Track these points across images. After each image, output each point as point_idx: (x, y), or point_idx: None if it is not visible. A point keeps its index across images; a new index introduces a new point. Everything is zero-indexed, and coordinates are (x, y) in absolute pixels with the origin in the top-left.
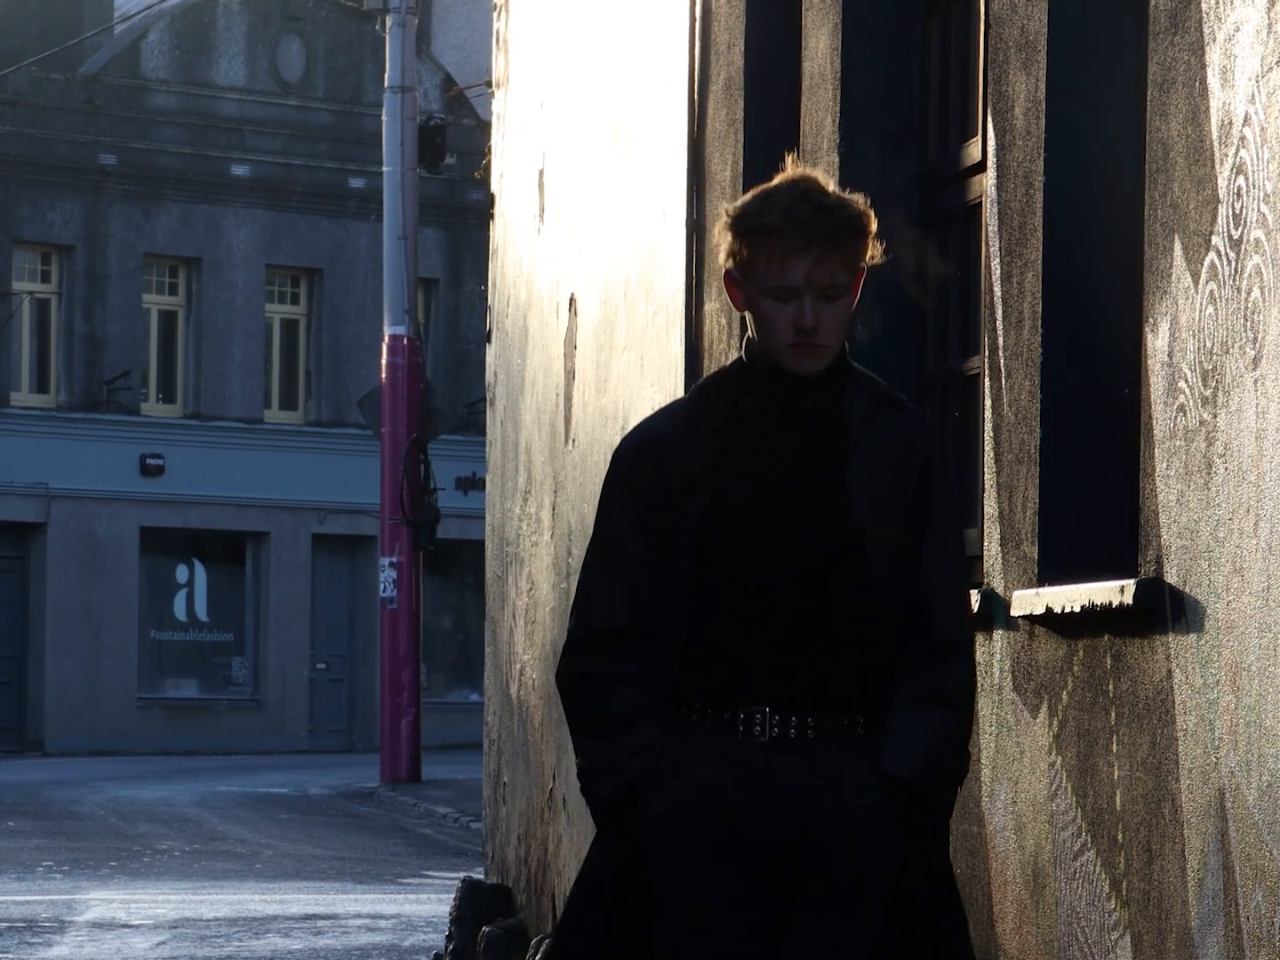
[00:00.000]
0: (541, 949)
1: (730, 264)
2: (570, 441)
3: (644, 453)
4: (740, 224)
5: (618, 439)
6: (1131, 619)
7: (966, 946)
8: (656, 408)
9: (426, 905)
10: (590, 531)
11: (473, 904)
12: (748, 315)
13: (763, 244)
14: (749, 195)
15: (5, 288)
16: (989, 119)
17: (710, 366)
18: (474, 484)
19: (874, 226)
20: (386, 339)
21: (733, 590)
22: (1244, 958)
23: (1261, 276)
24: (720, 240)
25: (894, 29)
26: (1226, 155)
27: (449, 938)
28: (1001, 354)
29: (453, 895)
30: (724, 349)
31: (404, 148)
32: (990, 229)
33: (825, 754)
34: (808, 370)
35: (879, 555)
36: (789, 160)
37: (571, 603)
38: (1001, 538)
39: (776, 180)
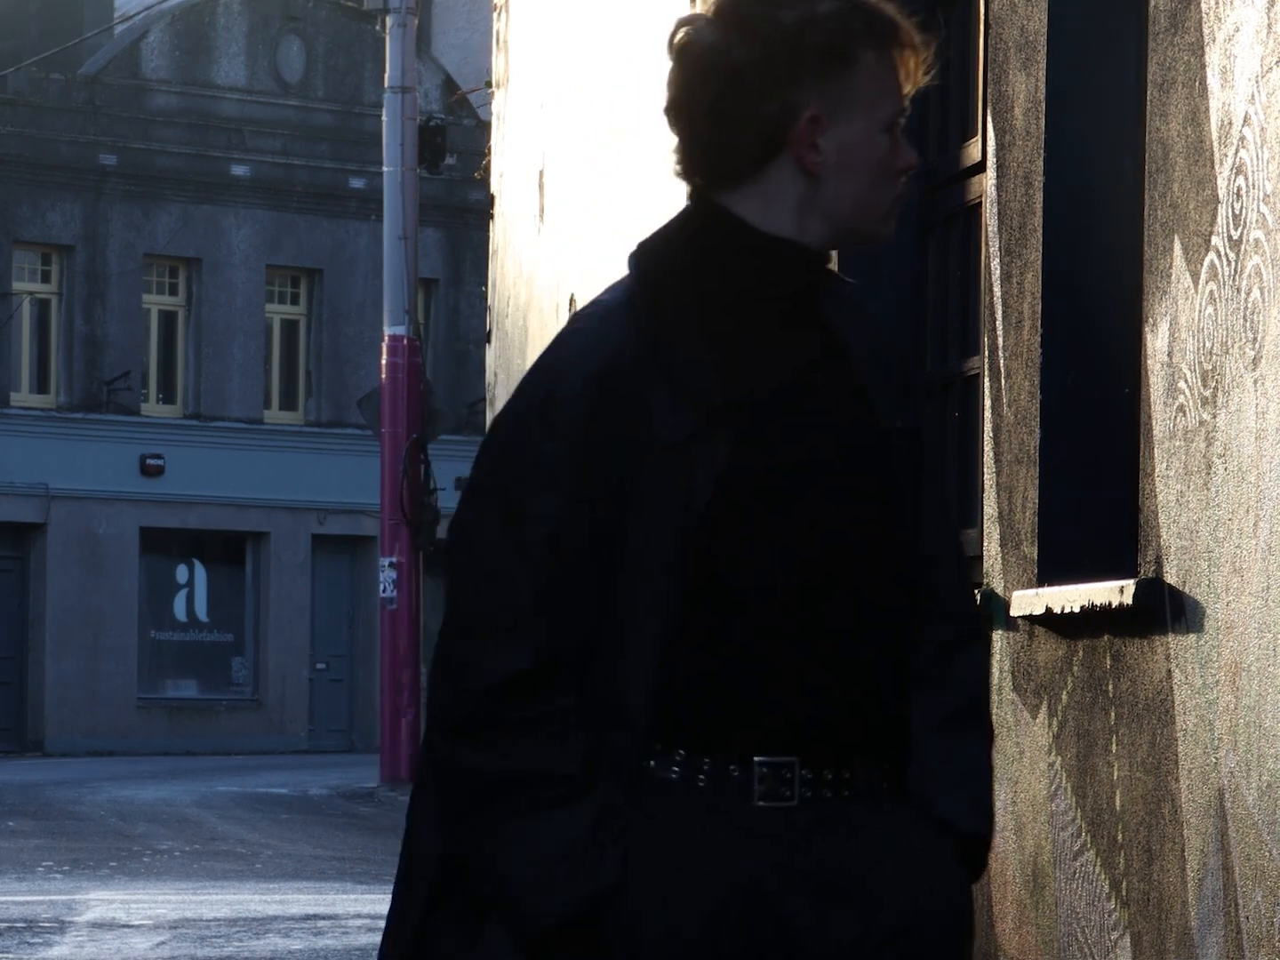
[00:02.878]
0: None
1: (805, 109)
2: None
3: (606, 392)
4: (877, 28)
5: None
6: (1131, 619)
7: None
8: None
9: None
10: None
11: None
12: (773, 184)
13: (896, 55)
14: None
15: (5, 288)
16: (989, 119)
17: None
18: None
19: None
20: (386, 339)
21: (759, 591)
22: (1244, 958)
23: (1261, 276)
24: (793, 78)
25: None
26: (1226, 155)
27: None
28: (1001, 354)
29: None
30: None
31: (404, 148)
32: (990, 229)
33: (869, 823)
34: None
35: (904, 525)
36: None
37: (453, 615)
38: (1001, 538)
39: None
